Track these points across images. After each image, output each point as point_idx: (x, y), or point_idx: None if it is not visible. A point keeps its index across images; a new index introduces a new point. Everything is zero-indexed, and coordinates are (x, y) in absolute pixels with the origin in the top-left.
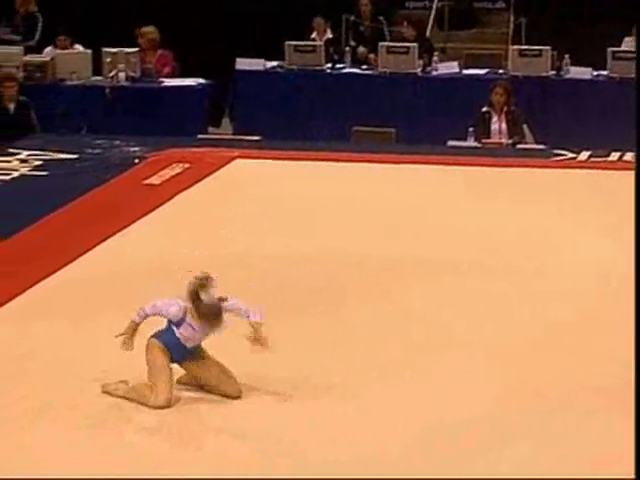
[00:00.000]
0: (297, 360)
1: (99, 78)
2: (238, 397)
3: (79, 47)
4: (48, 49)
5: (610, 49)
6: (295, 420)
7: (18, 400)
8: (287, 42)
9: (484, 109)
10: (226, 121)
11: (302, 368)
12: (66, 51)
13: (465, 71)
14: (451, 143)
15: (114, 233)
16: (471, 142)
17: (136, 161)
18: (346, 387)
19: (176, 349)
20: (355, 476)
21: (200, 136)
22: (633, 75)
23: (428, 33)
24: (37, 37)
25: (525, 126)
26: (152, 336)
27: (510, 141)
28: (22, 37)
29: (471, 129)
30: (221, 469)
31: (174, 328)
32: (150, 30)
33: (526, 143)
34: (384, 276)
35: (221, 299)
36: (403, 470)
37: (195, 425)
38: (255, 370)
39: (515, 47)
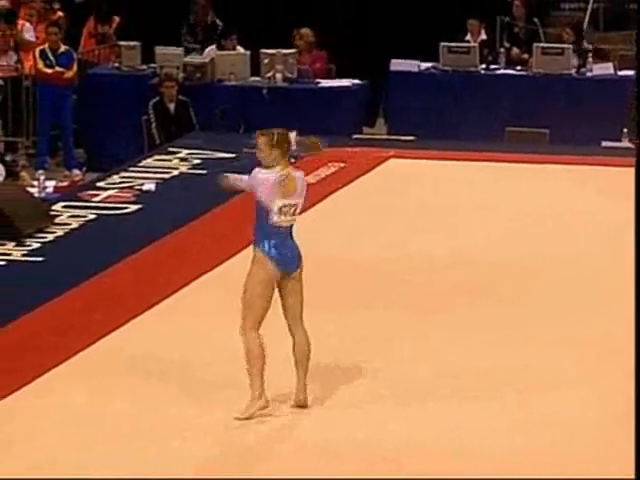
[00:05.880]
0: (442, 354)
1: (257, 79)
2: None
3: (240, 48)
4: (209, 49)
5: None
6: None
7: None
8: (442, 43)
9: None
10: (380, 121)
11: (447, 363)
12: (225, 52)
13: (620, 72)
14: (605, 144)
15: None
16: (626, 143)
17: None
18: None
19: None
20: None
21: (355, 136)
22: None
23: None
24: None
25: None
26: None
27: None
28: (201, 47)
29: (625, 130)
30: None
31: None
32: (307, 32)
33: None
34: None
35: None
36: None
37: None
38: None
39: None
